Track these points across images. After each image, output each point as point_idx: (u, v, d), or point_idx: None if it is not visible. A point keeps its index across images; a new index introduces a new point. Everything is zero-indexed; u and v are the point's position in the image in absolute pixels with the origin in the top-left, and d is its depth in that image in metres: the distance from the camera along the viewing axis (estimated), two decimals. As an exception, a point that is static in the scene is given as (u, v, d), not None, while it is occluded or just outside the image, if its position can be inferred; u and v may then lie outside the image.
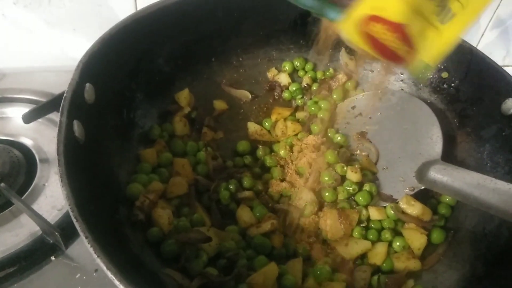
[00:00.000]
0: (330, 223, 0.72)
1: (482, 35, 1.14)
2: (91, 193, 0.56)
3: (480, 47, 0.86)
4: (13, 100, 1.00)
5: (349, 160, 0.82)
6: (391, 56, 0.52)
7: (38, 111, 0.88)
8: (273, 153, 0.86)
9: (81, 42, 1.06)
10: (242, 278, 0.62)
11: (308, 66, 0.94)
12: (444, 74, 0.84)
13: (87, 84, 0.64)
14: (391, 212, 0.74)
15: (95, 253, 0.46)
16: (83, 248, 0.74)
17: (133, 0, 0.99)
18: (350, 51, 0.92)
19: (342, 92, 0.91)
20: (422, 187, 0.74)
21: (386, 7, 0.48)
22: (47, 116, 0.92)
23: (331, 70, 0.93)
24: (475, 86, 0.80)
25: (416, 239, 0.71)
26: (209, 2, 0.82)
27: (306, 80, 0.93)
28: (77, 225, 0.48)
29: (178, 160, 0.76)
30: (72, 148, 0.56)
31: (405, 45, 0.51)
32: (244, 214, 0.72)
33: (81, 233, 0.47)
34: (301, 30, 0.90)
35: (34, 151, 0.90)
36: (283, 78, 0.93)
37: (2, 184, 0.78)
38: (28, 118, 0.87)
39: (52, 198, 0.82)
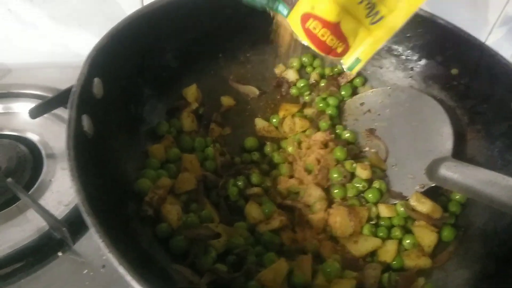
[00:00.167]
0: (339, 220, 0.71)
1: (490, 32, 1.13)
2: (101, 188, 0.55)
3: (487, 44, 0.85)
4: (18, 95, 1.00)
5: (358, 157, 0.81)
6: (326, 50, 0.61)
7: (45, 106, 0.88)
8: (280, 150, 0.85)
9: (86, 38, 1.06)
10: (251, 275, 0.61)
11: (316, 62, 0.93)
12: (454, 71, 0.83)
13: (96, 79, 0.63)
14: (401, 209, 0.73)
15: (106, 248, 0.46)
16: (91, 244, 0.74)
17: (140, -5, 0.99)
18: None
19: (350, 88, 0.90)
20: (433, 184, 0.74)
21: (320, 6, 0.56)
22: (53, 112, 0.91)
23: (339, 66, 0.92)
24: (485, 83, 0.79)
25: (427, 237, 0.71)
26: (217, -3, 0.82)
27: (314, 77, 0.92)
28: (88, 219, 0.47)
29: (186, 156, 0.75)
30: (81, 143, 0.55)
31: (339, 41, 0.60)
32: (253, 211, 0.72)
33: (92, 228, 0.47)
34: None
35: (40, 147, 0.90)
36: (291, 74, 0.93)
37: (9, 179, 0.78)
38: (35, 113, 0.86)
39: (59, 193, 0.82)
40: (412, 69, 0.88)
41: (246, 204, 0.73)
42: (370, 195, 0.75)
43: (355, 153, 0.81)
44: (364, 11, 0.59)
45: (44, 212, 0.73)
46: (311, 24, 0.58)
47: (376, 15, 0.59)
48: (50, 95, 0.94)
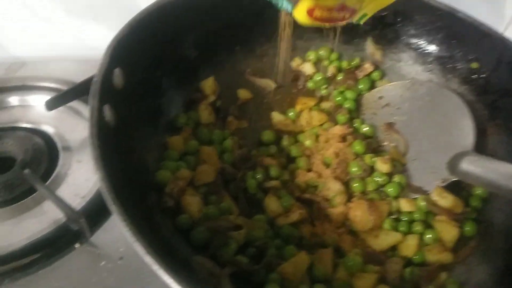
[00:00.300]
0: (359, 214, 0.70)
1: (506, 28, 1.12)
2: (123, 178, 0.55)
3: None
4: (33, 88, 1.00)
5: (377, 151, 0.81)
6: (333, 22, 0.65)
7: (61, 99, 0.88)
8: (298, 143, 0.84)
9: (101, 31, 1.05)
10: (272, 267, 0.61)
11: (333, 56, 0.92)
12: (474, 65, 0.82)
13: (116, 69, 0.63)
14: (422, 204, 0.72)
15: (133, 237, 0.45)
16: (108, 236, 0.74)
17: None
18: (377, 41, 0.90)
19: (368, 82, 0.89)
20: (454, 179, 0.73)
21: None
22: (68, 105, 0.92)
23: (357, 59, 0.91)
24: (506, 77, 0.78)
25: (448, 232, 0.70)
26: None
27: (331, 70, 0.91)
28: (113, 208, 0.47)
29: (205, 148, 0.75)
30: (103, 133, 0.55)
31: (346, 12, 0.64)
32: (272, 204, 0.71)
33: (118, 217, 0.46)
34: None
35: (56, 139, 0.90)
36: (308, 68, 0.92)
37: (26, 171, 0.78)
38: (51, 105, 0.87)
39: (75, 186, 0.81)
40: (431, 62, 0.87)
41: (265, 197, 0.72)
42: (390, 189, 0.74)
43: (373, 147, 0.80)
44: None
45: (62, 204, 0.72)
46: (318, 12, 0.61)
47: None
48: (65, 87, 0.94)
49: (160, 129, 0.75)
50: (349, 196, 0.75)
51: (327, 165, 0.79)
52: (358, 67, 0.91)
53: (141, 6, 0.72)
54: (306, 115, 0.86)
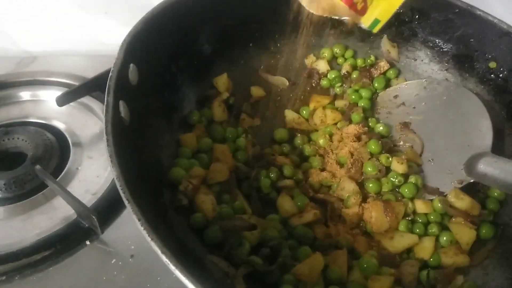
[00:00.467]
0: (375, 215, 0.69)
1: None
2: (137, 175, 0.54)
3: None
4: (44, 83, 1.00)
5: (392, 151, 0.79)
6: (349, 2, 0.65)
7: (72, 94, 0.87)
8: (311, 142, 0.83)
9: (112, 27, 1.05)
10: (286, 268, 0.60)
11: (348, 53, 0.91)
12: (492, 64, 0.81)
13: (131, 65, 0.62)
14: (438, 205, 0.71)
15: (148, 236, 0.44)
16: (119, 233, 0.73)
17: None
18: (393, 38, 0.89)
19: (383, 80, 0.88)
20: (471, 180, 0.71)
21: None
22: (79, 100, 0.91)
23: (372, 57, 0.89)
24: (525, 78, 0.77)
25: (465, 234, 0.68)
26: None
27: (345, 68, 0.90)
28: (129, 206, 0.46)
29: (218, 146, 0.74)
30: (118, 129, 0.54)
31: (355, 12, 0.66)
32: (285, 203, 0.70)
33: (133, 215, 0.45)
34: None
35: (67, 135, 0.89)
36: (322, 65, 0.90)
37: (37, 166, 0.77)
38: (62, 101, 0.86)
39: (86, 182, 0.81)
40: (448, 61, 0.86)
41: (278, 197, 0.71)
42: (406, 190, 0.73)
43: (389, 147, 0.79)
44: None
45: (73, 200, 0.72)
46: None
47: None
48: (76, 83, 0.94)
49: (174, 126, 0.74)
50: (364, 196, 0.74)
51: (341, 165, 0.78)
52: (373, 65, 0.90)
53: (153, 2, 0.71)
54: (320, 114, 0.85)
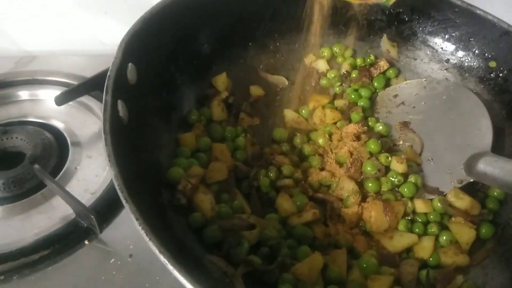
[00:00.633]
0: (374, 215, 0.69)
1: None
2: (136, 175, 0.54)
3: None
4: (43, 82, 0.99)
5: (391, 151, 0.79)
6: None
7: (71, 94, 0.87)
8: (310, 141, 0.83)
9: (111, 26, 1.05)
10: (285, 268, 0.60)
11: (348, 53, 0.90)
12: (492, 64, 0.81)
13: (130, 64, 0.62)
14: (438, 205, 0.70)
15: (146, 235, 0.44)
16: (118, 233, 0.73)
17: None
18: (393, 38, 0.88)
19: (383, 80, 0.88)
20: (471, 180, 0.71)
21: None
22: (78, 100, 0.91)
23: (371, 57, 0.89)
24: (525, 77, 0.77)
25: (465, 234, 0.68)
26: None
27: (345, 67, 0.90)
28: (127, 206, 0.46)
29: (217, 145, 0.74)
30: (117, 128, 0.54)
31: None
32: (285, 203, 0.70)
33: (131, 215, 0.45)
34: (341, 15, 0.87)
35: (65, 134, 0.89)
36: (321, 65, 0.90)
37: (36, 166, 0.77)
38: (61, 100, 0.86)
39: (85, 181, 0.81)
40: (447, 61, 0.86)
41: (277, 196, 0.71)
42: (405, 190, 0.73)
43: (388, 147, 0.79)
44: None
45: (72, 199, 0.72)
46: None
47: None
48: (75, 82, 0.93)
49: (173, 126, 0.74)
50: (363, 196, 0.73)
51: (341, 164, 0.78)
52: (373, 64, 0.89)
53: (152, 1, 0.71)
54: (319, 113, 0.85)
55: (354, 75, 0.89)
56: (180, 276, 0.43)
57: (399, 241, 0.68)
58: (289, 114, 0.86)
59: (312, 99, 0.87)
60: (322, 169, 0.78)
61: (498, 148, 0.76)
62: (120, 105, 0.57)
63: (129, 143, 0.57)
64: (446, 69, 0.86)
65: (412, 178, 0.74)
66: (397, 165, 0.74)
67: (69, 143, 0.87)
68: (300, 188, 0.74)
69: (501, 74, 0.80)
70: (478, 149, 0.73)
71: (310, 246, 0.65)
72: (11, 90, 0.97)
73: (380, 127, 0.82)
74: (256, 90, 0.87)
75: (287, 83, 0.89)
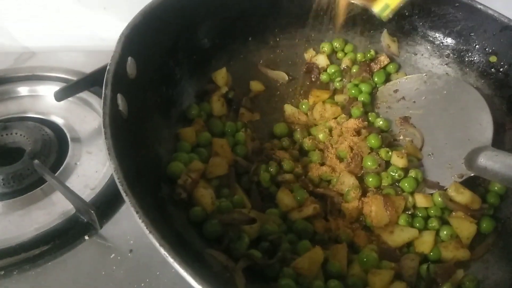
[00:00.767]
0: (375, 209, 0.69)
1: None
2: (136, 169, 0.54)
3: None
4: (43, 78, 0.99)
5: (392, 146, 0.79)
6: None
7: (70, 89, 0.87)
8: (310, 136, 0.83)
9: (111, 22, 1.05)
10: (286, 262, 0.60)
11: (348, 48, 0.90)
12: (492, 58, 0.80)
13: (129, 58, 0.62)
14: (438, 199, 0.70)
15: (146, 228, 0.44)
16: (118, 228, 0.73)
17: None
18: (393, 32, 0.88)
19: (383, 75, 0.87)
20: (472, 174, 0.71)
21: None
22: (77, 96, 0.91)
23: (372, 52, 0.89)
24: (526, 71, 0.77)
25: (465, 228, 0.68)
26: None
27: (345, 62, 0.90)
28: (127, 199, 0.46)
29: (217, 140, 0.73)
30: (116, 122, 0.54)
31: None
32: (285, 198, 0.70)
33: (131, 208, 0.45)
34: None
35: (65, 130, 0.89)
36: (321, 60, 0.90)
37: (36, 161, 0.77)
38: (60, 95, 0.86)
39: (85, 177, 0.81)
40: (448, 56, 0.86)
41: (278, 191, 0.71)
42: (405, 184, 0.73)
43: (388, 141, 0.79)
44: None
45: (72, 195, 0.71)
46: None
47: None
48: (74, 78, 0.93)
49: (173, 120, 0.74)
50: (364, 191, 0.73)
51: (341, 159, 0.78)
52: (373, 59, 0.89)
53: (151, -2, 0.71)
54: (319, 108, 0.84)
55: (354, 70, 0.89)
56: (181, 269, 0.43)
57: (400, 235, 0.68)
58: (289, 109, 0.86)
59: (312, 94, 0.87)
60: (322, 164, 0.78)
61: (499, 142, 0.76)
62: (120, 99, 0.57)
63: (129, 137, 0.57)
64: (446, 64, 0.86)
65: (412, 173, 0.74)
66: (398, 160, 0.74)
67: (69, 139, 0.87)
68: (301, 183, 0.74)
69: (501, 69, 0.80)
70: (479, 144, 0.72)
71: (310, 241, 0.65)
72: (10, 86, 0.97)
73: (381, 122, 0.82)
74: (256, 85, 0.87)
75: (287, 78, 0.89)
